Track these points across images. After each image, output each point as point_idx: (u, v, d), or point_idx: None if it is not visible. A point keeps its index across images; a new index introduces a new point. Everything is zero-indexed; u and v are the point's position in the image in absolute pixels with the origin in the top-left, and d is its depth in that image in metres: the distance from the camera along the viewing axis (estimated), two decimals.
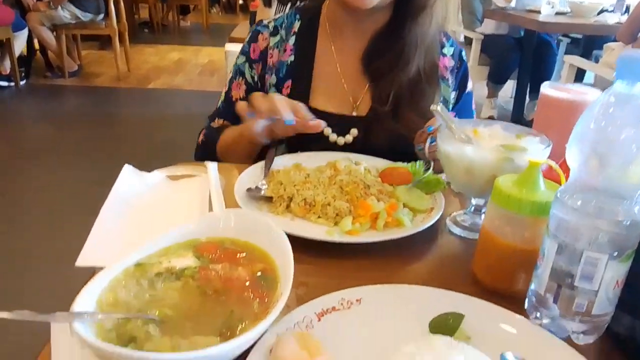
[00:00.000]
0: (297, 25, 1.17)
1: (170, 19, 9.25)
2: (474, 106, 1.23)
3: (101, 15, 5.18)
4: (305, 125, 0.94)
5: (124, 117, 4.41)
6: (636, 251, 0.54)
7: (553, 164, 0.67)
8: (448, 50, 1.16)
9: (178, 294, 0.54)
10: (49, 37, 4.94)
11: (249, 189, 0.88)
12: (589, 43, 4.44)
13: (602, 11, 4.06)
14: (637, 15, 3.14)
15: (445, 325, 0.57)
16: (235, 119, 1.16)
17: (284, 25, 1.17)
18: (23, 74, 4.96)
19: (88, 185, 2.36)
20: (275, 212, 0.84)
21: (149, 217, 0.79)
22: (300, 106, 0.95)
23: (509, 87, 4.71)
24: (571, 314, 0.57)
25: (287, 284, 0.53)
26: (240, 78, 1.19)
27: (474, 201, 0.85)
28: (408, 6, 1.07)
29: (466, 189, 0.85)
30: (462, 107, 1.19)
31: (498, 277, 0.67)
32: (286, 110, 0.92)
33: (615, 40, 3.60)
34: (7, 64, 4.75)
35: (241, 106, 0.96)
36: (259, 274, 0.58)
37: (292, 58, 1.14)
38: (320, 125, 0.96)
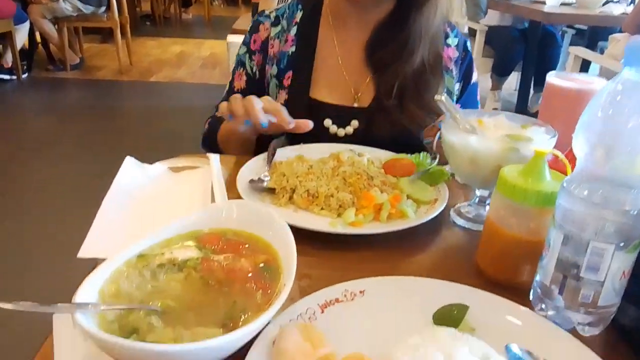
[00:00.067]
0: (299, 15, 1.16)
1: (172, 12, 9.22)
2: (479, 97, 1.22)
3: (103, 8, 5.16)
4: (282, 128, 0.95)
5: (126, 110, 4.41)
6: None
7: (559, 153, 0.66)
8: (452, 41, 1.15)
9: (180, 285, 0.54)
10: (51, 29, 4.93)
11: (251, 181, 0.87)
12: (594, 34, 4.40)
13: (607, 2, 4.01)
14: None
15: (450, 316, 0.57)
16: None
17: (285, 16, 1.16)
18: (25, 67, 4.96)
19: (90, 178, 2.37)
20: (277, 203, 0.83)
21: (150, 208, 0.79)
22: (281, 108, 0.95)
23: (513, 80, 4.68)
24: (577, 305, 0.56)
25: (290, 275, 0.52)
26: (242, 69, 1.19)
27: (478, 192, 0.85)
28: None
29: (471, 179, 0.84)
30: (467, 99, 1.18)
31: (502, 269, 0.67)
32: (260, 114, 0.91)
33: (620, 32, 3.56)
34: (9, 57, 4.75)
35: (222, 108, 0.97)
36: (261, 265, 0.57)
37: (293, 49, 1.13)
38: (308, 125, 0.97)
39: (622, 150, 0.50)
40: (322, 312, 0.57)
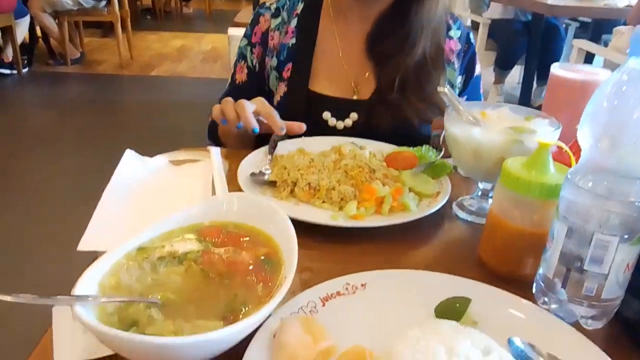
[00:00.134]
0: (299, 7, 1.15)
1: (172, 6, 9.17)
2: (482, 90, 1.21)
3: (103, 2, 5.14)
4: (275, 131, 0.96)
5: (126, 105, 4.40)
6: None
7: (563, 145, 0.65)
8: (455, 33, 1.14)
9: (181, 277, 0.53)
10: (51, 23, 4.91)
11: (252, 174, 0.87)
12: (598, 27, 4.37)
13: None
14: None
15: (452, 310, 0.56)
16: None
17: (286, 7, 1.15)
18: (25, 61, 4.95)
19: (91, 172, 2.36)
20: (279, 197, 0.83)
21: (151, 201, 0.78)
22: (273, 112, 0.96)
23: (516, 73, 4.65)
24: (580, 299, 0.56)
25: (291, 267, 0.52)
26: (243, 62, 1.18)
27: (481, 185, 0.84)
28: None
29: (473, 172, 0.83)
30: (470, 92, 1.17)
31: (505, 261, 0.66)
32: (251, 119, 0.93)
33: (625, 24, 3.53)
34: (10, 51, 4.73)
35: (215, 112, 0.98)
36: (262, 258, 0.57)
37: (293, 41, 1.12)
38: (302, 128, 0.99)
39: (628, 141, 0.49)
40: (324, 305, 0.56)
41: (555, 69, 0.88)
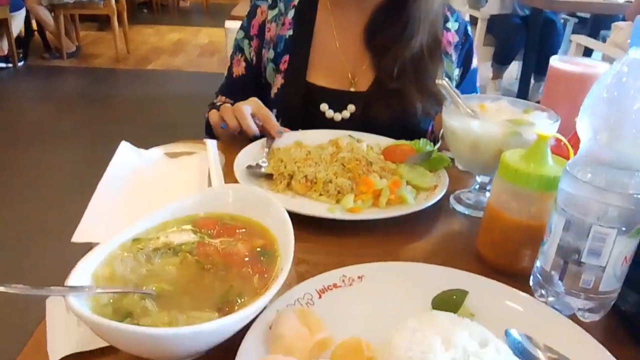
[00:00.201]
0: None
1: None
2: (478, 83, 1.21)
3: None
4: (272, 135, 0.97)
5: (123, 99, 4.37)
6: None
7: (562, 137, 0.65)
8: (452, 25, 1.13)
9: (176, 269, 0.53)
10: (47, 16, 4.87)
11: (249, 167, 0.86)
12: (597, 23, 4.37)
13: None
14: None
15: (449, 302, 0.56)
16: (235, 96, 1.14)
17: None
18: (21, 55, 4.91)
19: (86, 166, 2.35)
20: (275, 189, 0.82)
21: (146, 193, 0.78)
22: (269, 115, 0.98)
23: (514, 69, 4.65)
24: (577, 291, 0.55)
25: (288, 259, 0.51)
26: (240, 54, 1.17)
27: (478, 179, 0.84)
28: None
29: (471, 165, 0.83)
30: (466, 85, 1.16)
31: (503, 254, 0.66)
32: (252, 126, 0.96)
33: (624, 20, 3.53)
34: (5, 44, 4.70)
35: (214, 118, 0.99)
36: (258, 249, 0.56)
37: (290, 32, 1.11)
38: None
39: (627, 133, 0.49)
40: (320, 297, 0.56)
41: (554, 61, 0.87)
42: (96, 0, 5.12)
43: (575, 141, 0.58)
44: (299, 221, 0.63)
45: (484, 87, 4.37)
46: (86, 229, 0.66)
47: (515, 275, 0.62)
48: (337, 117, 1.10)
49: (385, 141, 0.99)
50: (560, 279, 0.56)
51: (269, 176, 0.85)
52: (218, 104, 1.18)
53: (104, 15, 5.31)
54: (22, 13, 4.78)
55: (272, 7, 1.14)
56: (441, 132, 0.87)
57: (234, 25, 1.87)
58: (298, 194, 0.81)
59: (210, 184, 0.81)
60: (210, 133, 1.16)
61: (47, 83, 4.65)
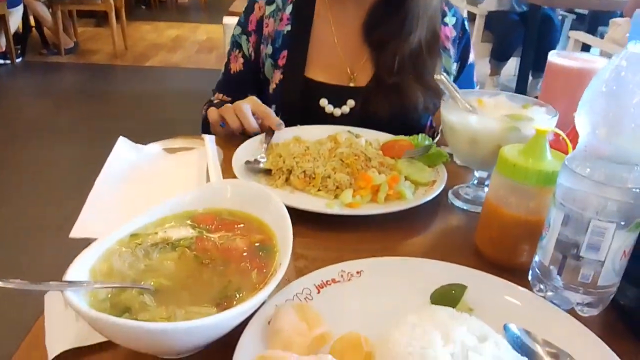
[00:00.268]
0: None
1: None
2: (475, 78, 1.21)
3: None
4: (273, 128, 0.97)
5: (121, 95, 4.36)
6: None
7: (560, 132, 0.65)
8: (450, 20, 1.13)
9: (174, 264, 0.53)
10: (45, 12, 4.85)
11: (247, 162, 0.86)
12: (595, 19, 4.36)
13: None
14: None
15: (448, 296, 0.56)
16: (234, 93, 1.14)
17: None
18: (19, 51, 4.89)
19: (84, 162, 2.35)
20: (274, 185, 0.82)
21: (144, 189, 0.78)
22: (269, 111, 0.98)
23: (512, 66, 4.64)
24: (576, 286, 0.55)
25: (286, 254, 0.51)
26: (238, 51, 1.17)
27: (477, 174, 0.84)
28: None
29: (470, 160, 0.83)
30: (463, 80, 1.16)
31: (501, 249, 0.66)
32: (254, 125, 0.96)
33: (621, 16, 3.53)
34: (3, 41, 4.67)
35: (213, 117, 0.99)
36: (257, 244, 0.56)
37: (288, 27, 1.11)
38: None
39: (626, 127, 0.49)
40: (319, 292, 0.56)
41: (553, 56, 0.87)
42: None
43: (573, 136, 0.58)
44: (298, 216, 0.63)
45: (482, 84, 4.36)
46: (84, 224, 0.66)
47: (513, 270, 0.62)
48: (337, 112, 1.09)
49: (384, 137, 0.98)
50: (559, 273, 0.56)
51: (267, 171, 0.84)
52: (216, 101, 1.18)
53: (102, 11, 5.29)
54: (19, 9, 4.76)
55: (269, 2, 1.14)
56: (441, 126, 0.87)
57: (232, 21, 1.86)
58: (296, 189, 0.81)
59: (208, 180, 0.81)
60: (206, 131, 1.16)
61: (45, 79, 4.63)
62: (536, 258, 0.60)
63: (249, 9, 1.16)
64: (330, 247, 0.71)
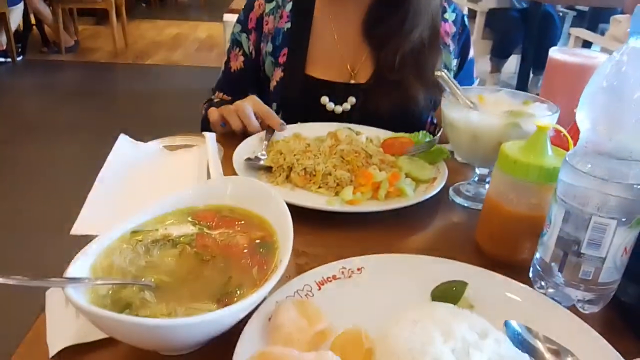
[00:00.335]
0: None
1: None
2: (475, 74, 1.20)
3: None
4: (275, 128, 0.97)
5: (121, 93, 4.36)
6: None
7: (561, 128, 0.65)
8: (450, 16, 1.13)
9: (175, 260, 0.53)
10: (45, 11, 4.85)
11: (248, 159, 0.86)
12: (595, 16, 4.35)
13: None
14: None
15: (449, 293, 0.56)
16: (234, 92, 1.14)
17: None
18: (19, 49, 4.89)
19: (85, 160, 2.34)
20: (274, 182, 0.82)
21: (145, 186, 0.78)
22: (269, 111, 0.98)
23: (512, 63, 4.64)
24: (577, 282, 0.55)
25: (287, 250, 0.51)
26: (238, 49, 1.16)
27: (478, 171, 0.84)
28: None
29: (471, 157, 0.83)
30: (463, 76, 1.16)
31: (502, 246, 0.66)
32: (256, 125, 0.97)
33: (622, 13, 3.52)
34: (3, 39, 4.67)
35: (214, 117, 0.99)
36: (257, 241, 0.56)
37: (288, 25, 1.11)
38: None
39: (627, 123, 0.49)
40: (319, 289, 0.56)
41: (554, 52, 0.87)
42: None
43: (574, 132, 0.58)
44: (298, 213, 0.62)
45: (483, 81, 4.35)
46: (85, 221, 0.66)
47: (514, 267, 0.62)
48: (338, 109, 1.09)
49: (384, 134, 0.98)
50: (560, 270, 0.56)
51: (268, 169, 0.84)
52: (216, 100, 1.18)
53: (103, 9, 5.28)
54: (20, 7, 4.75)
55: (269, 0, 1.13)
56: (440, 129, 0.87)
57: (232, 19, 1.86)
58: (297, 186, 0.81)
59: (209, 177, 0.81)
60: (206, 130, 1.16)
61: (45, 77, 4.63)
62: (537, 255, 0.60)
63: (249, 7, 1.15)
64: (330, 244, 0.71)
